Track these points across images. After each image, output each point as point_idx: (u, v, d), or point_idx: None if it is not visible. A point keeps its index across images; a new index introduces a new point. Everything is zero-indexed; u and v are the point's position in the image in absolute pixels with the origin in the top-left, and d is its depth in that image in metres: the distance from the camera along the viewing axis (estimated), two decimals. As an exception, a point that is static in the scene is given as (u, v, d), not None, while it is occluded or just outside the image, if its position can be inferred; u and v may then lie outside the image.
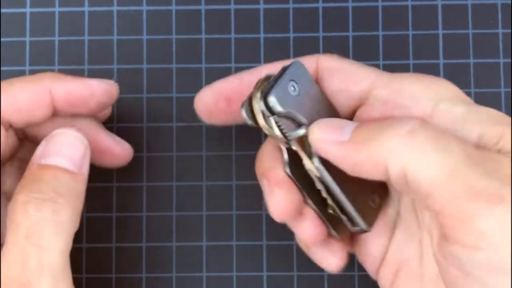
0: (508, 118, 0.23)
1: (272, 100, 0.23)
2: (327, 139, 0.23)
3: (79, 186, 0.25)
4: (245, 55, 0.33)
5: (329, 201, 0.25)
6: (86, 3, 0.33)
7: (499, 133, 0.22)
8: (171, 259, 0.32)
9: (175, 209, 0.32)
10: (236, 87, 0.27)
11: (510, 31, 0.32)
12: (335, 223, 0.26)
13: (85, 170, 0.26)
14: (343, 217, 0.25)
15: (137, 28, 0.33)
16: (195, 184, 0.32)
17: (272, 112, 0.23)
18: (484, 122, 0.22)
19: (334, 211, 0.25)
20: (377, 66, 0.32)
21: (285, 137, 0.24)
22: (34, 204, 0.23)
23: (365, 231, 0.25)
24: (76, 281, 0.31)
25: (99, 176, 0.31)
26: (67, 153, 0.25)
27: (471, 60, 0.32)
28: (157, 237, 0.32)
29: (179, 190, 0.32)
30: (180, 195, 0.32)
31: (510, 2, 0.33)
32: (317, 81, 0.26)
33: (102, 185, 0.32)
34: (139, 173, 0.32)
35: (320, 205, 0.25)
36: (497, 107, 0.32)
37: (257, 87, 0.24)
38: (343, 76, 0.25)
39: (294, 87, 0.24)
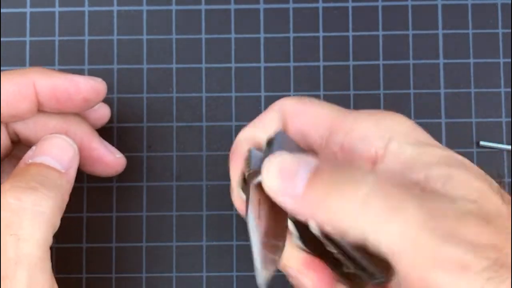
0: (456, 159, 0.22)
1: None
2: (277, 189, 0.21)
3: (64, 184, 0.25)
4: (245, 55, 0.33)
5: (342, 259, 0.24)
6: (86, 3, 0.33)
7: (446, 175, 0.21)
8: (171, 259, 0.32)
9: (175, 209, 0.32)
10: None
11: (510, 31, 0.32)
12: (352, 279, 0.25)
13: (72, 172, 0.26)
14: (361, 273, 0.24)
15: (137, 28, 0.33)
16: (195, 184, 0.32)
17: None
18: (432, 163, 0.22)
19: (349, 268, 0.24)
20: (377, 66, 0.32)
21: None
22: (14, 192, 0.23)
23: (384, 282, 0.24)
24: (76, 281, 0.31)
25: (100, 177, 0.31)
26: (55, 153, 0.25)
27: (471, 60, 0.32)
28: (157, 237, 0.32)
29: (179, 190, 0.32)
30: (180, 195, 0.32)
31: (510, 2, 0.33)
32: (283, 127, 0.25)
33: (102, 185, 0.32)
34: (139, 173, 0.32)
35: (335, 265, 0.24)
36: (497, 107, 0.32)
37: (247, 170, 0.23)
38: (304, 121, 0.25)
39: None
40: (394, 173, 0.22)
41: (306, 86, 0.32)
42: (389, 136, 0.23)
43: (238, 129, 0.32)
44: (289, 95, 0.32)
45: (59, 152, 0.26)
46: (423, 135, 0.23)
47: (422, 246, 0.19)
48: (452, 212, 0.20)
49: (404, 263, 0.19)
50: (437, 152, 0.22)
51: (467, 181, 0.21)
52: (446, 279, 0.18)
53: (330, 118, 0.24)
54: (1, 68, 0.32)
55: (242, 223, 0.32)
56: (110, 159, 0.29)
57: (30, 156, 0.25)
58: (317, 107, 0.25)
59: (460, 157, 0.22)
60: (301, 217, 0.21)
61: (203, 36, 0.33)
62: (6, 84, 0.26)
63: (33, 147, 0.26)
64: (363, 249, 0.22)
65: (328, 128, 0.24)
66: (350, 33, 0.33)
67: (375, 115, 0.24)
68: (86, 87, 0.27)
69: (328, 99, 0.32)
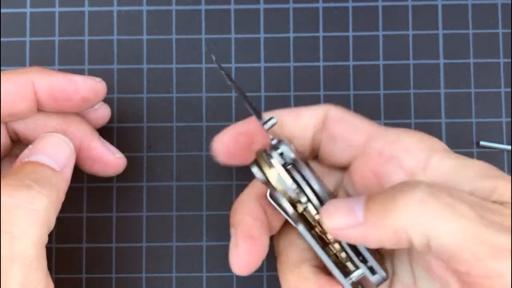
0: (497, 171, 0.24)
1: (284, 147, 0.25)
2: (342, 225, 0.23)
3: (59, 182, 0.25)
4: (245, 55, 0.33)
5: (344, 258, 0.25)
6: (86, 3, 0.33)
7: (491, 187, 0.23)
8: (171, 259, 0.32)
9: (175, 209, 0.32)
10: (253, 126, 0.27)
11: (510, 31, 0.32)
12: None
13: (68, 171, 0.26)
14: (364, 270, 0.25)
15: (137, 28, 0.33)
16: (195, 184, 0.32)
17: (283, 160, 0.25)
18: (476, 176, 0.24)
19: (348, 265, 0.25)
20: (377, 66, 0.32)
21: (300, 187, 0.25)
22: (8, 190, 0.23)
23: (385, 279, 0.25)
24: (76, 281, 0.32)
25: (100, 177, 0.31)
26: (50, 152, 0.25)
27: (471, 60, 0.32)
28: (157, 237, 0.32)
29: (179, 190, 0.32)
30: (180, 195, 0.32)
31: (510, 2, 0.33)
32: (323, 128, 0.27)
33: (102, 185, 0.32)
34: (139, 173, 0.32)
35: (337, 264, 0.25)
36: (497, 107, 0.32)
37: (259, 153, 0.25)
38: (345, 126, 0.27)
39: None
40: (437, 184, 0.23)
41: (306, 86, 0.32)
42: (430, 151, 0.25)
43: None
44: (289, 95, 0.32)
45: (55, 151, 0.25)
46: (459, 155, 0.25)
47: (482, 239, 0.21)
48: (502, 211, 0.22)
49: (466, 257, 0.21)
50: (478, 164, 0.24)
51: (509, 191, 0.23)
52: (506, 266, 0.20)
53: (370, 128, 0.26)
54: (1, 68, 0.32)
55: (242, 223, 0.32)
56: (109, 158, 0.28)
57: (26, 155, 0.25)
58: (359, 117, 0.27)
59: (496, 169, 0.24)
60: (367, 243, 0.23)
61: (203, 36, 0.33)
62: (5, 83, 0.26)
63: (30, 146, 0.26)
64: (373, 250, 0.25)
65: (368, 135, 0.26)
66: (350, 33, 0.33)
67: (417, 133, 0.26)
68: (85, 87, 0.27)
69: (328, 99, 0.32)
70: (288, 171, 0.25)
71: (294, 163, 0.25)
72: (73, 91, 0.26)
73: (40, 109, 0.27)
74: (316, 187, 0.25)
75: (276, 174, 0.24)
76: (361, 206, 0.23)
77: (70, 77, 0.26)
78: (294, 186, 0.25)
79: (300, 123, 0.27)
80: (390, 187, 0.23)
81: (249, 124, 0.27)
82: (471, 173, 0.24)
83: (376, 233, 0.22)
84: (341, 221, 0.23)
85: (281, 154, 0.25)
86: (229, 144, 0.27)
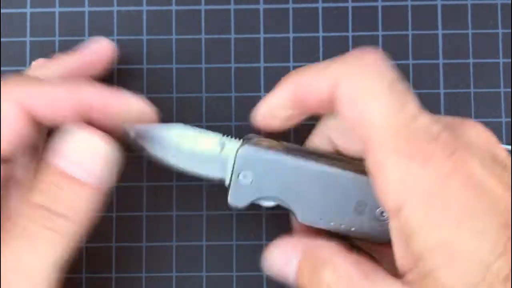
0: None
1: (231, 203, 0.26)
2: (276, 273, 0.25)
3: (94, 200, 0.23)
4: (245, 55, 0.33)
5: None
6: (86, 3, 0.33)
7: None
8: (171, 259, 0.32)
9: (175, 209, 0.32)
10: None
11: (510, 31, 0.32)
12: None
13: (106, 181, 0.23)
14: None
15: (137, 28, 0.33)
16: (195, 184, 0.32)
17: (242, 208, 0.26)
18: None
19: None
20: (377, 66, 0.32)
21: None
22: (42, 216, 0.22)
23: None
24: (76, 281, 0.31)
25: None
26: (89, 164, 0.23)
27: (471, 60, 0.32)
28: (157, 237, 0.32)
29: (179, 190, 0.32)
30: (180, 195, 0.32)
31: (510, 2, 0.33)
32: (334, 101, 0.23)
33: (102, 185, 0.32)
34: (139, 173, 0.32)
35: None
36: (497, 107, 0.32)
37: None
38: (352, 113, 0.23)
39: (246, 175, 0.25)
40: (400, 236, 0.22)
41: (306, 86, 0.32)
42: (406, 202, 0.21)
43: (238, 129, 0.32)
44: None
45: (94, 162, 0.23)
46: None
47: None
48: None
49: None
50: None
51: None
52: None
53: (375, 123, 0.22)
54: (1, 68, 0.32)
55: (242, 223, 0.32)
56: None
57: (59, 156, 0.23)
58: (376, 94, 0.22)
59: None
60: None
61: (203, 36, 0.33)
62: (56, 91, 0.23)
63: (59, 138, 0.23)
64: None
65: (368, 135, 0.22)
66: (350, 33, 0.33)
67: (409, 163, 0.21)
68: (95, 98, 0.24)
69: (328, 99, 0.32)
70: None
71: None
72: (94, 104, 0.24)
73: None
74: None
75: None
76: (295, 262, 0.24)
77: (72, 88, 0.24)
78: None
79: (312, 95, 0.24)
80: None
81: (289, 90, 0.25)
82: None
83: None
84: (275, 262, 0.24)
85: None
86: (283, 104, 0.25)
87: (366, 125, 0.22)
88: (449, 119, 0.24)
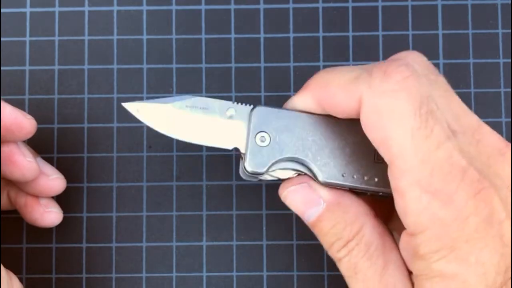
0: None
1: (250, 169, 0.24)
2: (292, 208, 0.24)
3: None
4: (245, 55, 0.33)
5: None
6: (86, 3, 0.33)
7: None
8: (171, 259, 0.32)
9: (175, 209, 0.32)
10: None
11: (510, 31, 0.32)
12: None
13: None
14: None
15: (137, 28, 0.33)
16: (195, 184, 0.32)
17: (261, 173, 0.24)
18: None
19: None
20: (377, 66, 0.32)
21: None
22: None
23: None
24: (76, 281, 0.32)
25: (100, 176, 0.31)
26: None
27: (471, 60, 0.32)
28: (157, 237, 0.32)
29: (179, 190, 0.32)
30: (180, 195, 0.32)
31: (510, 2, 0.33)
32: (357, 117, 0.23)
33: (102, 185, 0.32)
34: (139, 173, 0.32)
35: None
36: (497, 107, 0.32)
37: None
38: (375, 134, 0.22)
39: (263, 137, 0.24)
40: (407, 249, 0.22)
41: (306, 86, 0.32)
42: (423, 231, 0.21)
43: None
44: (289, 95, 0.32)
45: None
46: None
47: None
48: None
49: None
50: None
51: None
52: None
53: (398, 149, 0.21)
54: (1, 68, 0.32)
55: (242, 223, 0.32)
56: (18, 159, 0.27)
57: None
58: (399, 111, 0.21)
59: None
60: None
61: (203, 36, 0.33)
62: None
63: None
64: None
65: (391, 158, 0.22)
66: (350, 33, 0.33)
67: (430, 200, 0.21)
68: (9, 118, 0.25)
69: (328, 99, 0.32)
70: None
71: None
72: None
73: None
74: None
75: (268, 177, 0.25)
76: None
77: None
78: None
79: (337, 109, 0.23)
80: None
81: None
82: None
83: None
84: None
85: None
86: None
87: (390, 150, 0.21)
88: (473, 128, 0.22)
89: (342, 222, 0.23)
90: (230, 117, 0.25)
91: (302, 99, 0.25)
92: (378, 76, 0.21)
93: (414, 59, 0.23)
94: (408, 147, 0.20)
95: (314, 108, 0.24)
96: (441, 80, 0.23)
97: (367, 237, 0.23)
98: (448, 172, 0.20)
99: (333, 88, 0.23)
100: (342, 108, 0.23)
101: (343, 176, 0.24)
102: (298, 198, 0.24)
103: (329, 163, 0.24)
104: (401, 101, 0.21)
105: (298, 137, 0.24)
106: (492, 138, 0.22)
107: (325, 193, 0.24)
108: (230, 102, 0.25)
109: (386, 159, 0.21)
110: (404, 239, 0.22)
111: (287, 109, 0.25)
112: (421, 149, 0.20)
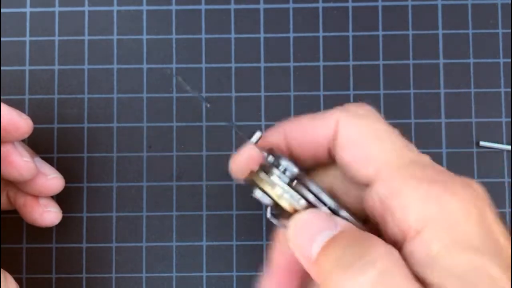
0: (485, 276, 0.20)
1: (285, 162, 0.22)
2: (297, 247, 0.21)
3: None
4: (245, 55, 0.33)
5: None
6: (86, 3, 0.33)
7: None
8: (171, 259, 0.32)
9: (175, 209, 0.32)
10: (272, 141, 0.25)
11: (510, 31, 0.32)
12: None
13: None
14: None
15: (137, 28, 0.33)
16: (195, 184, 0.32)
17: (287, 177, 0.22)
18: (452, 275, 0.20)
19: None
20: (377, 66, 0.32)
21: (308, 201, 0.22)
22: None
23: None
24: (76, 281, 0.32)
25: (100, 176, 0.31)
26: None
27: (471, 60, 0.32)
28: (157, 237, 0.32)
29: (179, 190, 0.32)
30: (180, 195, 0.32)
31: (510, 2, 0.33)
32: (334, 145, 0.23)
33: (102, 185, 0.32)
34: (139, 173, 0.32)
35: None
36: (497, 107, 0.32)
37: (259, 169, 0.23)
38: (356, 152, 0.22)
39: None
40: (417, 261, 0.20)
41: (306, 86, 0.32)
42: (429, 222, 0.20)
43: (238, 128, 0.32)
44: (289, 95, 0.32)
45: None
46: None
47: None
48: None
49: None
50: (468, 260, 0.19)
51: None
52: None
53: (381, 160, 0.22)
54: (1, 68, 0.32)
55: (242, 223, 0.32)
56: (15, 159, 0.27)
57: None
58: (374, 139, 0.22)
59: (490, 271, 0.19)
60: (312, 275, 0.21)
61: (203, 36, 0.33)
62: None
63: None
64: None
65: (376, 171, 0.22)
66: (350, 33, 0.33)
67: (429, 187, 0.20)
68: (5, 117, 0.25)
69: (328, 99, 0.32)
70: (294, 188, 0.22)
71: (298, 178, 0.22)
72: None
73: None
74: (328, 201, 0.22)
75: (287, 194, 0.22)
76: (320, 243, 0.21)
77: None
78: (305, 203, 0.22)
79: (308, 139, 0.24)
80: (363, 239, 0.20)
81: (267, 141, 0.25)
82: (452, 268, 0.19)
83: (319, 279, 0.20)
84: (297, 242, 0.21)
85: (285, 171, 0.22)
86: (246, 163, 0.24)
87: (374, 161, 0.21)
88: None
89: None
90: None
91: (271, 133, 0.25)
92: (352, 105, 0.24)
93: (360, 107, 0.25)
94: (393, 154, 0.22)
95: (281, 143, 0.24)
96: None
97: None
98: (438, 169, 0.21)
99: (306, 120, 0.24)
100: (311, 137, 0.23)
101: None
102: None
103: None
104: (377, 121, 0.23)
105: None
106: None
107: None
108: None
109: (368, 173, 0.22)
110: (409, 249, 0.20)
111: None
112: (406, 154, 0.22)
